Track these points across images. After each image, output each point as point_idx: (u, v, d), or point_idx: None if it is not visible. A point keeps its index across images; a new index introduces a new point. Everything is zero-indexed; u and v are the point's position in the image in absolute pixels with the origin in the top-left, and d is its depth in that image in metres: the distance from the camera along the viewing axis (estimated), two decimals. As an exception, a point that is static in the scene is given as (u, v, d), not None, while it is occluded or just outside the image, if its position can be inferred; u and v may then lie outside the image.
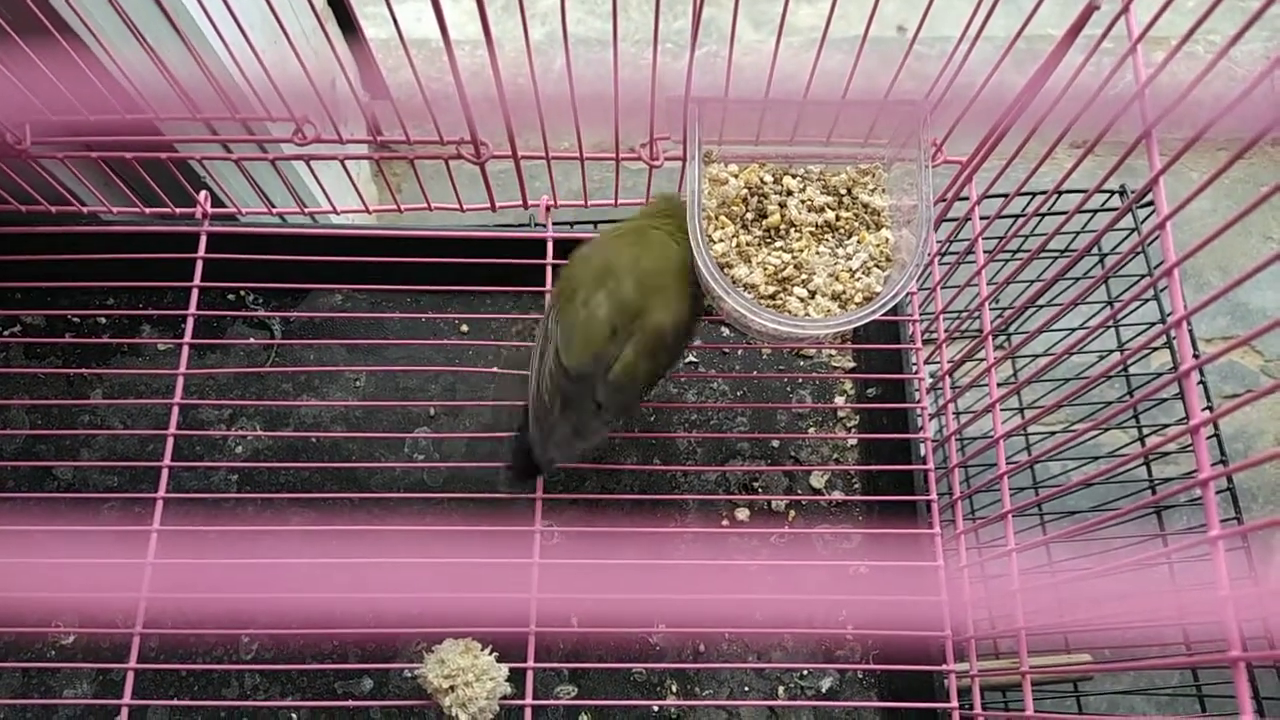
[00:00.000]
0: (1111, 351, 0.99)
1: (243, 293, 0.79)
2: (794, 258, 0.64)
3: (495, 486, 0.72)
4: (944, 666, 0.64)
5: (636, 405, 0.65)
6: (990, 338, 0.62)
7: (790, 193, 0.66)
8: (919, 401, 0.72)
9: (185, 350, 0.72)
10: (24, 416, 0.75)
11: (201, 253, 0.74)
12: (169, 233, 0.74)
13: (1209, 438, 0.96)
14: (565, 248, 0.75)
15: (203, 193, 0.74)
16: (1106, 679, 1.17)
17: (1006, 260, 0.97)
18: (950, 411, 0.70)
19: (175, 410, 0.70)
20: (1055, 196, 0.57)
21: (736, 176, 0.66)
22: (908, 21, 1.62)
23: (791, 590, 0.71)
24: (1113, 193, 0.94)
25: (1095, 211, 0.95)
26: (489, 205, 0.74)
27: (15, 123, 0.65)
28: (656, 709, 0.68)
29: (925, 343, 0.73)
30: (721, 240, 0.64)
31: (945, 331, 0.70)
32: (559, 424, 0.61)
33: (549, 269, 0.74)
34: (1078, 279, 0.97)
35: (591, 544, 0.66)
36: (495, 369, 0.76)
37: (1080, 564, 0.88)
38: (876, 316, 0.60)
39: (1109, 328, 0.98)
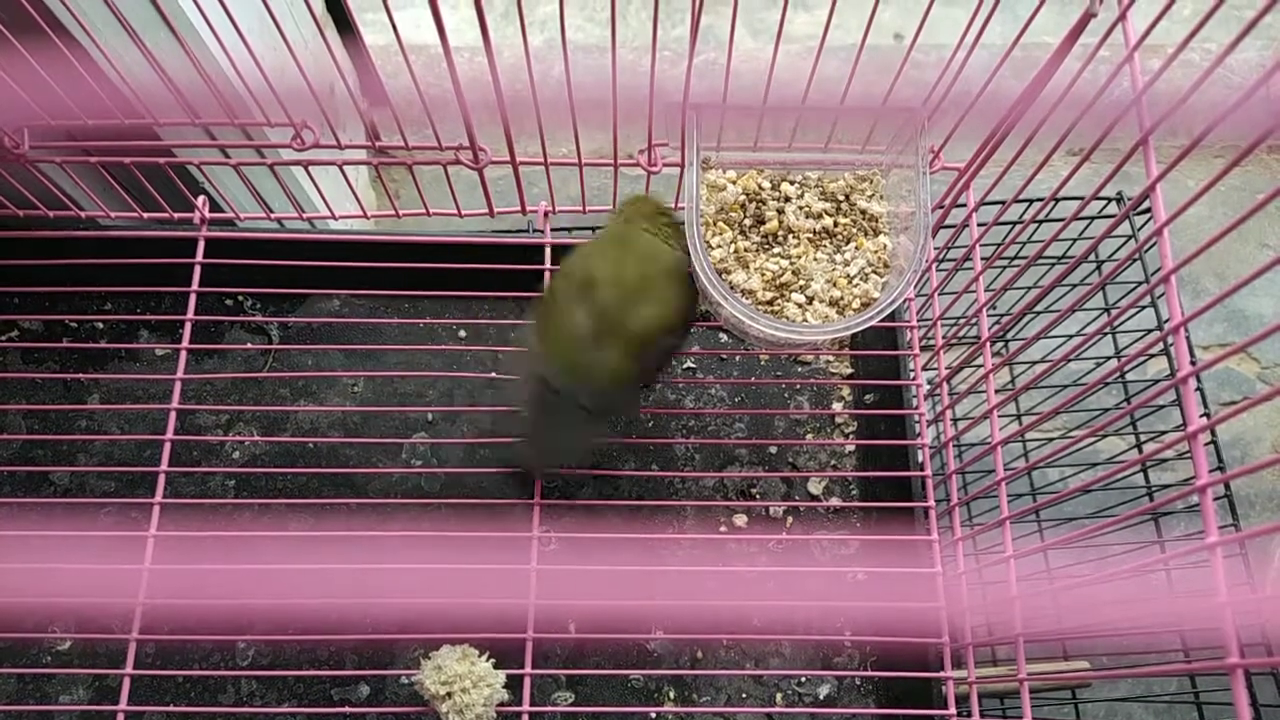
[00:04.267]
0: (1109, 358, 1.00)
1: (240, 298, 0.79)
2: (792, 264, 0.64)
3: (492, 492, 0.72)
4: (942, 673, 0.64)
5: (630, 408, 0.65)
6: (988, 344, 0.62)
7: (788, 199, 0.66)
8: (917, 408, 0.72)
9: (183, 355, 0.72)
10: (21, 421, 0.75)
11: (199, 258, 0.74)
12: (167, 238, 0.75)
13: (1206, 444, 0.96)
14: (563, 254, 0.75)
15: (201, 198, 0.74)
16: (1104, 686, 1.17)
17: (1004, 266, 0.97)
18: (948, 418, 0.70)
19: (173, 415, 0.70)
20: (1052, 203, 0.57)
21: (734, 183, 0.66)
22: (905, 29, 1.62)
23: (789, 597, 0.71)
24: (1110, 199, 0.94)
25: (1092, 218, 0.95)
26: (487, 211, 0.74)
27: (13, 127, 0.65)
28: (654, 715, 0.68)
29: (923, 349, 0.73)
30: (719, 246, 0.65)
31: (943, 338, 0.70)
32: (548, 433, 0.61)
33: (547, 275, 0.74)
34: (1075, 285, 0.98)
35: (589, 550, 0.66)
36: (493, 374, 0.76)
37: (1078, 570, 0.89)
38: (874, 322, 0.60)
39: (1106, 334, 0.98)
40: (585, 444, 0.62)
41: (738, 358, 0.79)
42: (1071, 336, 0.96)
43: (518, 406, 0.63)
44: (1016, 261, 0.94)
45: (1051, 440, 1.12)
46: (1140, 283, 0.95)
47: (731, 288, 0.63)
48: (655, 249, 0.62)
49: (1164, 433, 1.01)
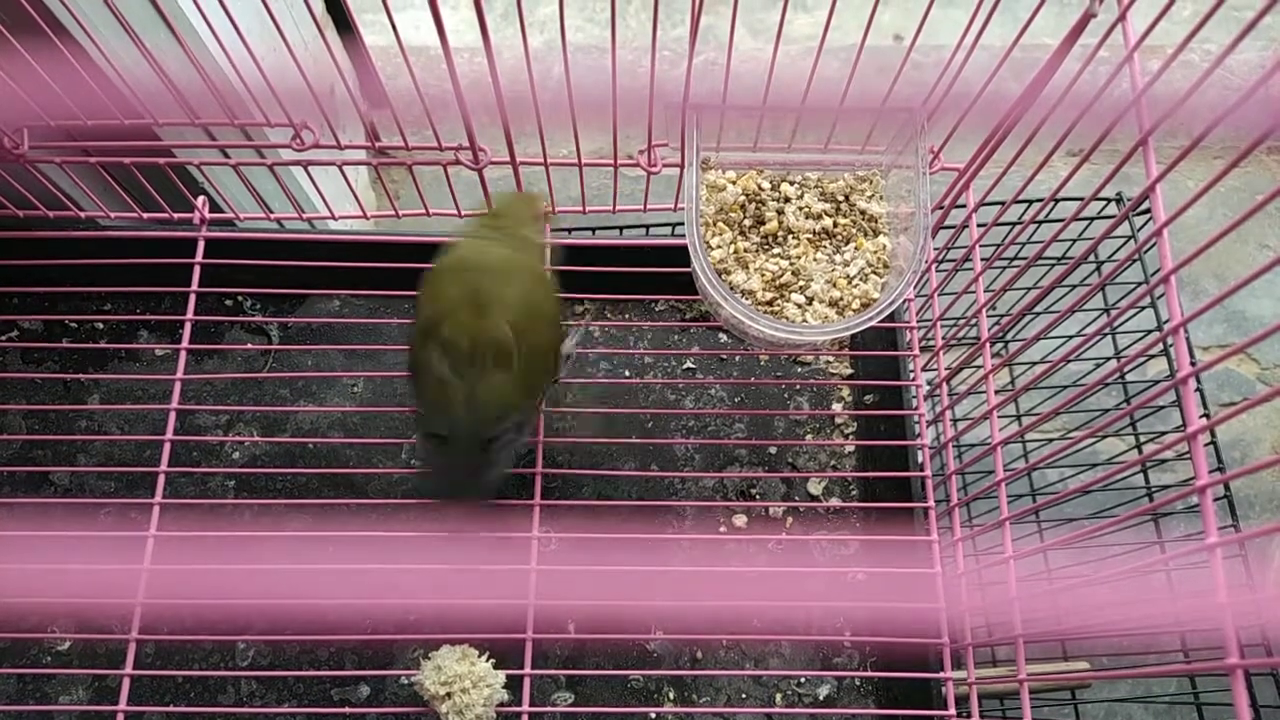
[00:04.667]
0: (1109, 359, 1.00)
1: (240, 298, 0.79)
2: (791, 264, 0.64)
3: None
4: (941, 674, 0.64)
5: (528, 416, 0.63)
6: (987, 344, 0.62)
7: (788, 199, 0.66)
8: (916, 408, 0.72)
9: (183, 355, 0.72)
10: (21, 421, 0.75)
11: (199, 258, 0.74)
12: (167, 238, 0.75)
13: (1206, 445, 0.96)
14: (564, 253, 0.75)
15: (200, 198, 0.74)
16: (1104, 686, 1.17)
17: (1004, 267, 0.97)
18: (948, 418, 0.70)
19: (172, 415, 0.70)
20: (1052, 203, 0.57)
21: (734, 183, 0.66)
22: (905, 30, 1.62)
23: (789, 597, 0.71)
24: (1109, 200, 0.94)
25: (1092, 219, 0.95)
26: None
27: (13, 127, 0.65)
28: (654, 716, 0.68)
29: (923, 349, 0.73)
30: (719, 246, 0.65)
31: (942, 338, 0.70)
32: (457, 475, 0.59)
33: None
34: (1075, 286, 0.98)
35: (589, 550, 0.66)
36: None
37: (1078, 571, 0.89)
38: (874, 323, 0.60)
39: (1106, 335, 0.98)
40: (503, 466, 0.60)
41: (737, 358, 0.79)
42: (1071, 337, 0.96)
43: (427, 464, 0.61)
44: (1016, 262, 0.94)
45: (1051, 441, 1.12)
46: (1140, 283, 0.95)
47: (731, 288, 0.63)
48: (480, 258, 0.60)
49: (1164, 433, 1.01)
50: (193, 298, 0.73)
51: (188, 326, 0.72)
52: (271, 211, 0.75)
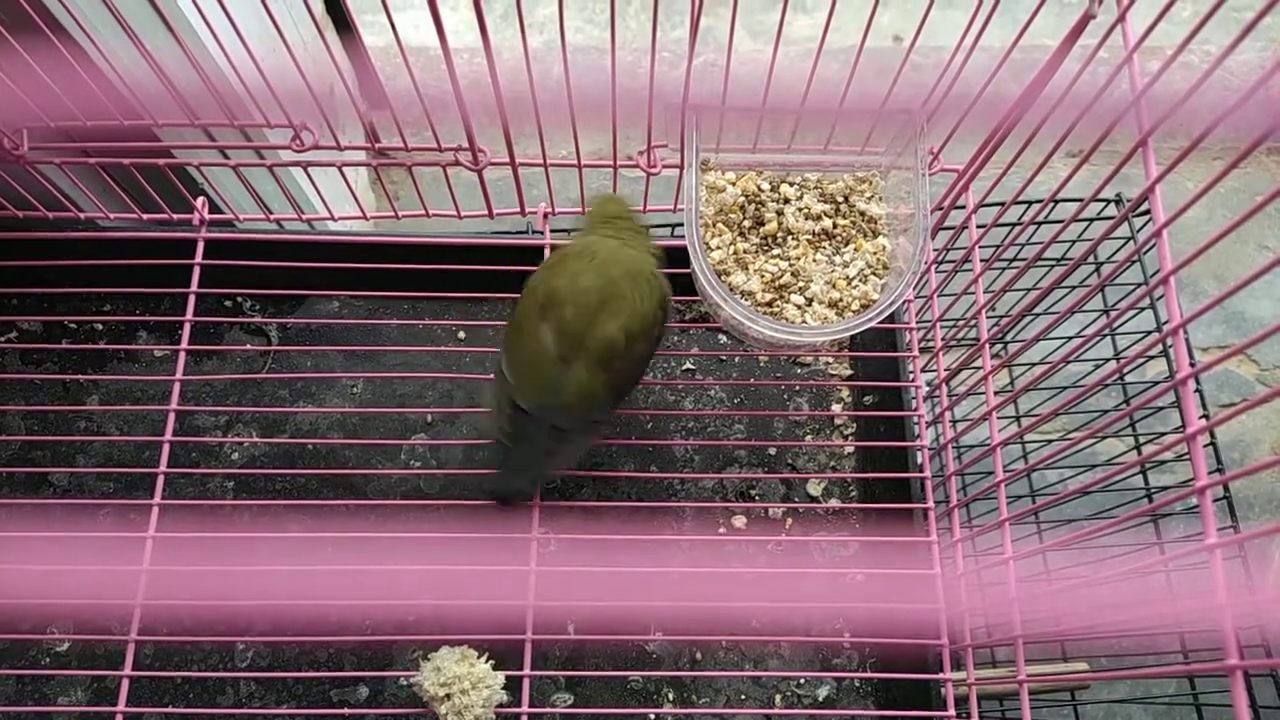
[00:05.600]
0: (1108, 360, 1.00)
1: (240, 299, 0.79)
2: (791, 265, 0.64)
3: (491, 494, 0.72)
4: (941, 675, 0.64)
5: (606, 418, 0.64)
6: (987, 345, 0.62)
7: (787, 200, 0.66)
8: (916, 409, 0.72)
9: (182, 356, 0.72)
10: (20, 422, 0.75)
11: (198, 259, 0.74)
12: (166, 239, 0.74)
13: (1205, 446, 0.96)
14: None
15: (200, 199, 0.74)
16: (1103, 688, 1.17)
17: (1003, 268, 0.97)
18: (947, 419, 0.70)
19: (172, 416, 0.70)
20: (1052, 204, 0.57)
21: (734, 184, 0.66)
22: (904, 31, 1.62)
23: (788, 598, 0.71)
24: (1109, 201, 0.94)
25: (1091, 220, 0.95)
26: (487, 212, 0.74)
27: (13, 128, 0.65)
28: (653, 717, 0.68)
29: (922, 350, 0.73)
30: (719, 248, 0.65)
31: (942, 339, 0.70)
32: (521, 454, 0.61)
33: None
34: (1074, 287, 0.98)
35: (588, 551, 0.66)
36: (492, 375, 0.76)
37: (1077, 572, 0.88)
38: (873, 324, 0.60)
39: (1105, 336, 0.98)
40: (561, 465, 0.61)
41: (737, 359, 0.79)
42: (1071, 338, 0.96)
43: (492, 433, 0.62)
44: (1016, 263, 0.95)
45: (1051, 442, 1.12)
46: (1139, 284, 0.95)
47: (731, 289, 0.63)
48: (616, 256, 0.61)
49: (1163, 434, 1.01)
50: (192, 299, 0.73)
51: (187, 327, 0.72)
52: (271, 212, 0.75)
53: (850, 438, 0.77)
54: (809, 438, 0.77)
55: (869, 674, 0.70)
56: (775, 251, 0.65)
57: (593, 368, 0.58)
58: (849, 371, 0.79)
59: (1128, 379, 1.05)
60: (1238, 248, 1.56)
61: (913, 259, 0.60)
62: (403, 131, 0.62)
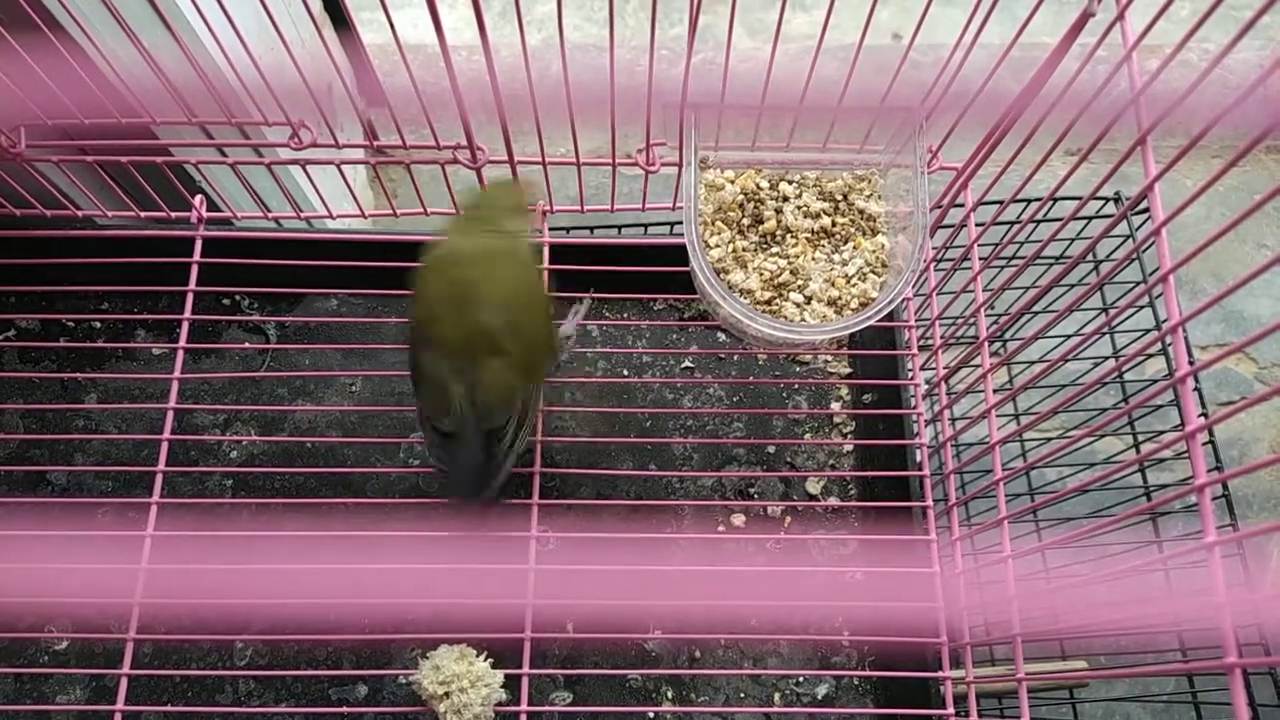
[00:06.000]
0: (1107, 358, 1.00)
1: (238, 297, 0.79)
2: (790, 263, 0.64)
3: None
4: (940, 673, 0.64)
5: (537, 398, 0.62)
6: (986, 343, 0.62)
7: (786, 198, 0.66)
8: (915, 407, 0.72)
9: (180, 355, 0.72)
10: (18, 421, 0.75)
11: (197, 257, 0.74)
12: (164, 237, 0.74)
13: (1204, 444, 0.96)
14: (562, 252, 0.75)
15: (198, 197, 0.74)
16: (1102, 686, 1.17)
17: (1002, 266, 0.97)
18: (946, 417, 0.70)
19: (170, 415, 0.70)
20: (1050, 202, 0.57)
21: (733, 182, 0.66)
22: (903, 29, 1.62)
23: (787, 596, 0.71)
24: (1108, 199, 0.94)
25: (1090, 218, 0.95)
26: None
27: (10, 126, 0.65)
28: (652, 715, 0.68)
29: (921, 349, 0.73)
30: (718, 246, 0.65)
31: (941, 337, 0.70)
32: (463, 467, 0.59)
33: (545, 274, 0.74)
34: (1073, 285, 0.98)
35: (587, 550, 0.66)
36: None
37: (1076, 570, 0.88)
38: (872, 322, 0.60)
39: (1104, 334, 0.98)
40: (511, 458, 0.60)
41: (736, 357, 0.79)
42: (1069, 336, 0.96)
43: (438, 463, 0.62)
44: (1014, 261, 0.94)
45: (1050, 440, 1.12)
46: (1138, 283, 0.95)
47: (729, 287, 0.63)
48: (455, 253, 0.60)
49: (1162, 432, 1.01)
50: (190, 297, 0.73)
51: (185, 325, 0.72)
52: (269, 210, 0.75)
53: (849, 436, 0.77)
54: (808, 436, 0.77)
55: (868, 672, 0.70)
56: (774, 249, 0.65)
57: (486, 362, 0.56)
58: (848, 369, 0.79)
59: (1126, 377, 1.05)
60: (1236, 246, 1.56)
61: (911, 257, 0.60)
62: (401, 129, 0.62)
